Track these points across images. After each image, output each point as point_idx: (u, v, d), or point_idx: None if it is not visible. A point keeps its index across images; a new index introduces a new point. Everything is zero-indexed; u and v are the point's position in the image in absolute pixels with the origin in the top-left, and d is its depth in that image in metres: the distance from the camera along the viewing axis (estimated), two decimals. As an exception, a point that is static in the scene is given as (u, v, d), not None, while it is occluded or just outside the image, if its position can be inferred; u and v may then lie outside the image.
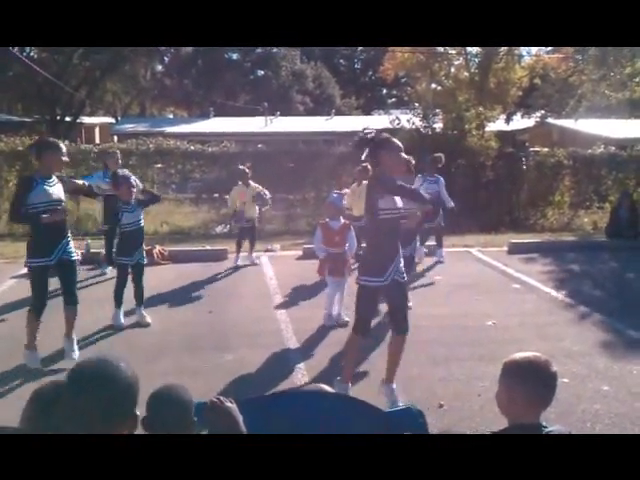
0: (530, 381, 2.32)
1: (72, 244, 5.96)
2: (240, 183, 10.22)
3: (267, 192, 10.18)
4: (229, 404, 2.41)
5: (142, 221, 7.25)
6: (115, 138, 29.07)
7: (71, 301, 5.95)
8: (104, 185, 8.70)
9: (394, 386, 5.02)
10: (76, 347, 6.01)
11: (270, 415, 2.52)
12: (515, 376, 2.35)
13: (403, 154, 4.80)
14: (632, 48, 16.71)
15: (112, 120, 38.75)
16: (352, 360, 5.16)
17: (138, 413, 1.93)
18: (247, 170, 10.25)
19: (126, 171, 7.53)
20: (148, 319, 7.17)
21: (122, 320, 7.07)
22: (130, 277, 7.19)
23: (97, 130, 37.12)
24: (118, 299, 7.11)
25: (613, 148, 16.85)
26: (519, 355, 2.40)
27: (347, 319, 6.93)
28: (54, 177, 5.74)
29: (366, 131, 4.83)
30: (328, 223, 7.13)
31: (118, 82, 36.99)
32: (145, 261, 7.35)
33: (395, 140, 4.82)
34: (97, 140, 33.83)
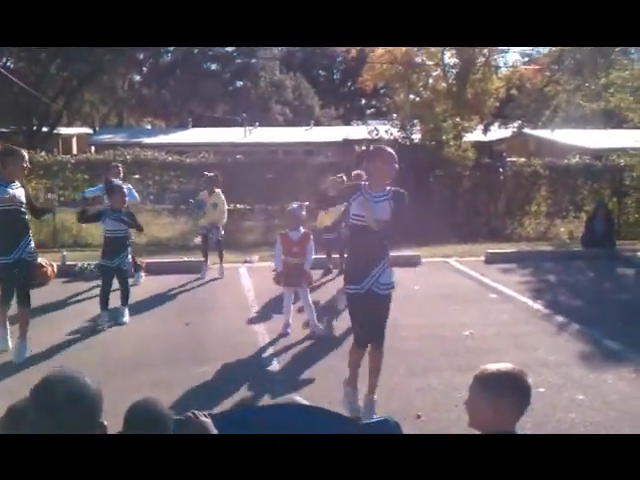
0: (503, 391, 2.32)
1: (32, 245, 6.33)
2: (205, 191, 10.19)
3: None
4: (204, 419, 2.40)
5: (127, 231, 7.69)
6: (92, 149, 28.91)
7: (24, 302, 6.23)
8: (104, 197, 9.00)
9: (375, 398, 5.02)
10: (28, 348, 6.25)
11: (245, 429, 2.50)
12: (488, 387, 2.36)
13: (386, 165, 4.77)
14: (607, 59, 17.00)
15: (90, 130, 38.52)
16: (354, 370, 5.07)
17: (106, 423, 1.92)
18: (214, 176, 10.19)
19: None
20: (127, 319, 7.56)
21: (106, 321, 7.36)
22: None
23: (74, 141, 36.86)
24: (103, 302, 7.44)
25: (588, 158, 17.08)
26: (495, 366, 2.40)
27: (321, 328, 7.12)
28: (17, 182, 6.20)
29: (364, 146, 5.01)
30: (287, 234, 7.20)
31: (96, 92, 36.79)
32: (126, 267, 7.78)
33: (383, 152, 4.82)
34: (74, 151, 33.59)
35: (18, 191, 6.15)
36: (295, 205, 7.32)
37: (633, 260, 11.66)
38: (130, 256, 8.19)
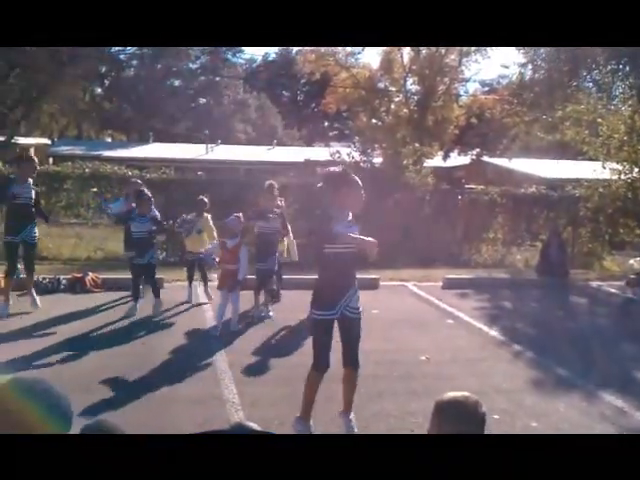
0: (457, 421, 2.35)
1: (36, 231, 8.50)
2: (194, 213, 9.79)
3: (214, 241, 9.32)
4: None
5: (151, 232, 8.78)
6: (51, 160, 28.41)
7: (30, 270, 8.63)
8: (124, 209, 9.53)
9: (352, 416, 5.10)
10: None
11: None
12: (443, 416, 2.38)
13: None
14: (564, 92, 17.43)
15: (48, 141, 37.91)
16: (311, 397, 5.00)
17: None
18: (205, 200, 9.85)
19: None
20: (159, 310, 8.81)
21: (137, 310, 8.66)
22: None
23: (32, 151, 36.19)
24: (134, 293, 8.79)
25: (544, 188, 17.45)
26: (452, 395, 2.44)
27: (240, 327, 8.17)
28: (29, 181, 8.37)
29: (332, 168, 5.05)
30: (225, 242, 8.10)
31: (55, 103, 36.28)
32: (154, 262, 9.05)
33: (356, 180, 4.93)
34: (32, 161, 32.97)
35: (29, 189, 8.32)
36: (232, 217, 8.11)
37: (586, 289, 11.93)
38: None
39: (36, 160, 8.63)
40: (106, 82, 42.98)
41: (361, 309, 5.07)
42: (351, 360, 5.02)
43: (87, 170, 14.64)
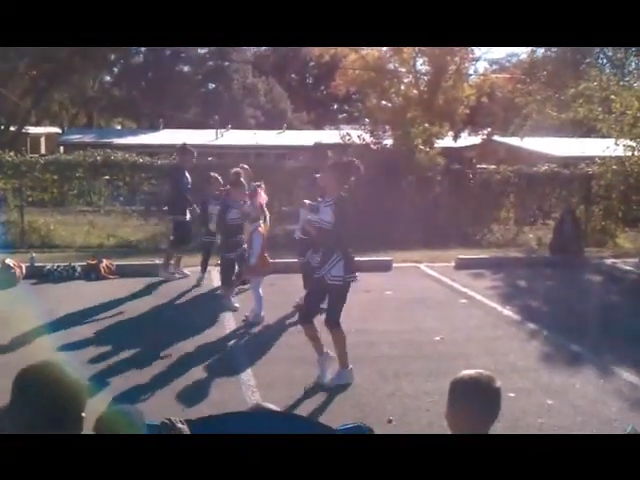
0: (473, 398, 2.36)
1: None
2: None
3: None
4: (180, 425, 2.38)
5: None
6: (62, 149, 28.54)
7: None
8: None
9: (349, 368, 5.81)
10: None
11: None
12: (459, 394, 2.40)
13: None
14: (577, 70, 17.24)
15: (59, 130, 38.03)
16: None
17: (84, 415, 1.96)
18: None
19: None
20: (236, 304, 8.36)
21: (232, 301, 8.36)
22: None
23: (43, 140, 36.37)
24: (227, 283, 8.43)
25: (556, 166, 17.31)
26: (465, 373, 2.45)
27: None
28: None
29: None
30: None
31: (65, 92, 36.35)
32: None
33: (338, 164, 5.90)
34: (43, 150, 33.12)
35: None
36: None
37: (600, 267, 11.86)
38: None
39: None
40: (115, 70, 42.95)
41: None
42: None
43: (98, 158, 14.65)
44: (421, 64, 26.39)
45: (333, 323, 5.67)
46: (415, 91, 26.27)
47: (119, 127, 45.37)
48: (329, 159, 7.39)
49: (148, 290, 9.37)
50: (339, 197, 5.61)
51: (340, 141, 15.88)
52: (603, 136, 15.94)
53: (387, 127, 17.01)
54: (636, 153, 14.80)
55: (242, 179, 8.35)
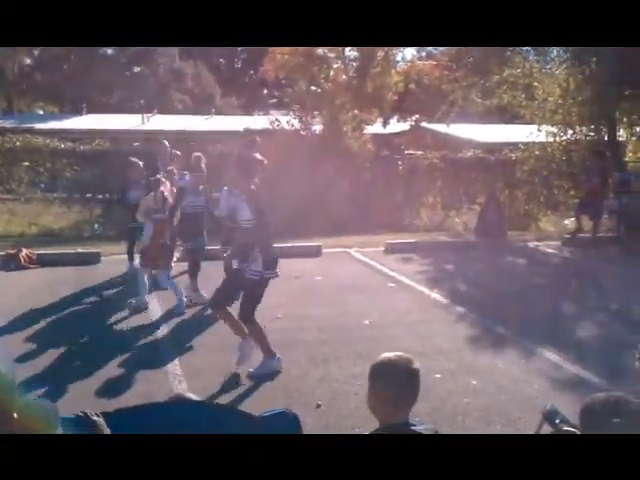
0: (391, 381, 2.36)
1: None
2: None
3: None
4: (95, 418, 2.31)
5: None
6: (-21, 134, 27.31)
7: None
8: None
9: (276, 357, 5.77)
10: None
11: (138, 427, 2.41)
12: (377, 377, 2.40)
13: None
14: (501, 56, 17.55)
15: (-24, 116, 36.40)
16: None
17: (16, 416, 1.91)
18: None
19: None
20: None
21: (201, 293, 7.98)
22: None
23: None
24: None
25: (481, 152, 17.70)
26: (385, 356, 2.45)
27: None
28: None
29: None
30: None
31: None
32: None
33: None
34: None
35: None
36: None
37: (523, 249, 12.21)
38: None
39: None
40: (36, 52, 41.30)
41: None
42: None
43: (18, 144, 14.12)
44: (350, 50, 26.42)
45: (245, 317, 5.63)
46: (344, 77, 26.31)
47: (41, 112, 43.73)
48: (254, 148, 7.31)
49: (69, 279, 9.08)
50: (250, 192, 5.58)
51: (269, 127, 15.78)
52: (527, 122, 16.37)
53: (316, 113, 16.97)
54: (557, 139, 15.26)
55: (203, 164, 8.06)
